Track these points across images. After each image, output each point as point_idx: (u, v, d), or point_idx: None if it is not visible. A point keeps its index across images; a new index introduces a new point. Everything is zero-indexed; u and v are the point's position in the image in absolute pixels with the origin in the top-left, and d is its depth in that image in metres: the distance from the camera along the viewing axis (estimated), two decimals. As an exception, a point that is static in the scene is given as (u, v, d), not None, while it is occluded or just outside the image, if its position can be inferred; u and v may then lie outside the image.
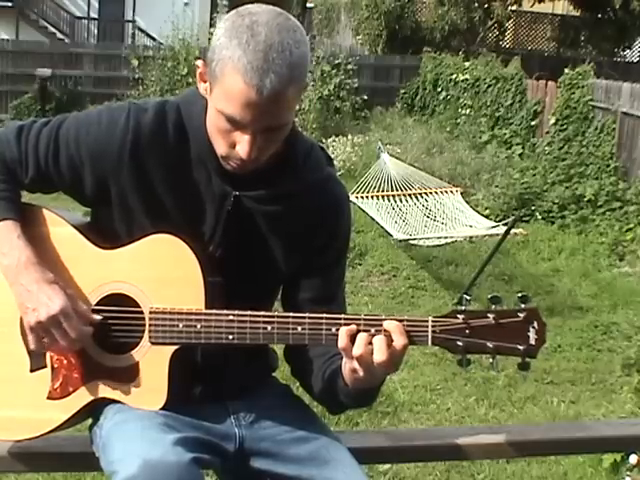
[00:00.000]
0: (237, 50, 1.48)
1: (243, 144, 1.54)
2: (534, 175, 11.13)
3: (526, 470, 4.52)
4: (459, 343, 1.57)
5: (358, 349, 1.54)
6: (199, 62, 1.61)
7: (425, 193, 8.86)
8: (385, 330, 1.55)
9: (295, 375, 1.82)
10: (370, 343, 1.54)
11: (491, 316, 1.56)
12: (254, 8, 1.54)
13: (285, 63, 1.49)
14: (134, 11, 23.59)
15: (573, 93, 11.98)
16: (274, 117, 1.53)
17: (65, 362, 1.68)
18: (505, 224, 7.38)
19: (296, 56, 1.50)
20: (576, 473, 4.52)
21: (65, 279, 1.66)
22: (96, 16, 24.14)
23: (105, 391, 1.67)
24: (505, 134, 13.34)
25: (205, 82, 1.59)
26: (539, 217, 10.19)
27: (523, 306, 1.57)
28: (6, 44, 15.91)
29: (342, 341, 1.55)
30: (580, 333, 6.90)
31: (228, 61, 1.49)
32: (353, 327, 1.55)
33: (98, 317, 1.65)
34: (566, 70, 12.32)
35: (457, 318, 1.57)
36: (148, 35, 21.27)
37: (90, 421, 1.75)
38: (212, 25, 16.31)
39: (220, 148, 1.59)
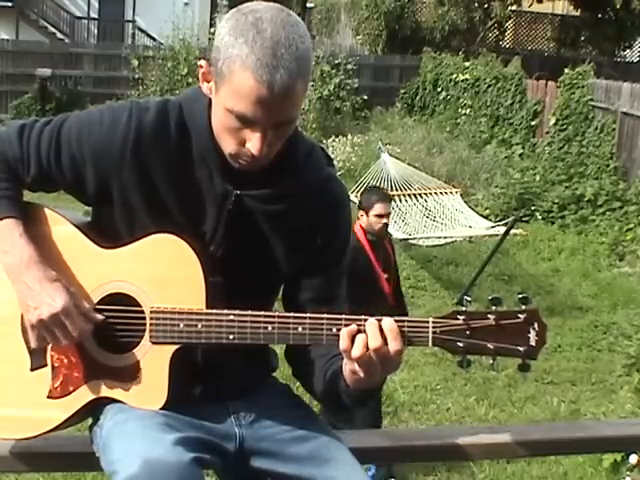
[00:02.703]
0: (244, 48, 1.49)
1: (254, 141, 1.54)
2: (534, 175, 11.13)
3: (526, 470, 4.52)
4: (459, 344, 1.56)
5: (357, 350, 1.54)
6: (202, 62, 1.60)
7: (425, 193, 8.87)
8: (381, 331, 1.54)
9: (297, 377, 1.82)
10: (365, 338, 1.54)
11: (492, 317, 1.56)
12: (255, 6, 1.55)
13: (293, 58, 1.50)
14: (134, 11, 23.57)
15: (573, 93, 11.98)
16: (284, 112, 1.54)
17: (66, 361, 1.68)
18: (505, 224, 7.39)
19: (302, 50, 1.51)
20: (576, 473, 4.52)
21: (66, 278, 1.66)
22: (96, 16, 24.12)
23: (105, 390, 1.67)
24: (505, 134, 13.34)
25: (209, 82, 1.59)
26: (539, 217, 10.19)
27: (524, 307, 1.57)
28: (6, 44, 15.92)
29: (344, 342, 1.55)
30: (580, 333, 6.91)
31: (236, 59, 1.49)
32: (354, 328, 1.55)
33: (100, 317, 1.65)
34: (566, 70, 12.32)
35: (458, 319, 1.56)
36: (148, 35, 21.26)
37: (90, 421, 1.75)
38: (212, 25, 16.31)
39: (229, 146, 1.59)
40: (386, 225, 4.63)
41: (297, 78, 1.51)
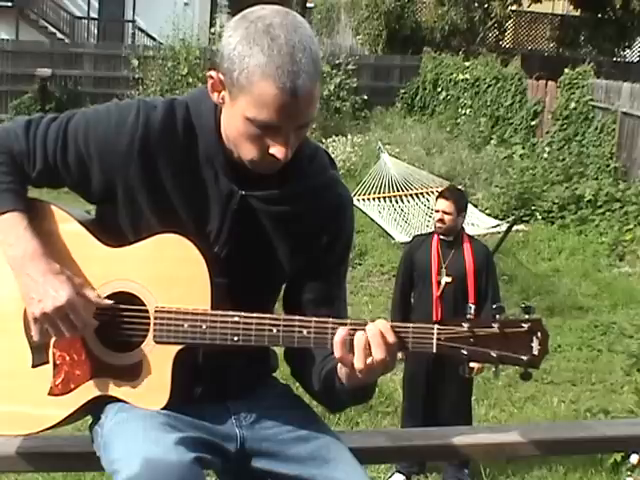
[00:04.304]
0: (261, 57, 1.48)
1: (280, 147, 1.55)
2: (534, 175, 11.12)
3: (526, 470, 4.52)
4: (463, 352, 1.57)
5: (359, 363, 1.54)
6: (212, 72, 1.58)
7: (426, 192, 8.88)
8: (383, 338, 1.55)
9: (294, 376, 1.83)
10: (367, 347, 1.54)
11: (496, 325, 1.56)
12: (260, 11, 1.54)
13: (310, 61, 1.51)
14: (134, 11, 23.57)
15: (573, 93, 11.98)
16: (306, 115, 1.55)
17: (67, 358, 1.68)
18: (507, 222, 7.39)
19: (314, 51, 1.54)
20: (576, 473, 4.52)
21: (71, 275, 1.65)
22: (96, 16, 24.13)
23: (107, 389, 1.66)
24: (505, 134, 13.33)
25: (219, 92, 1.58)
26: (539, 217, 10.19)
27: (527, 317, 1.57)
28: (6, 44, 15.92)
29: (338, 351, 1.55)
30: (580, 333, 6.90)
31: (255, 69, 1.49)
32: (344, 335, 1.55)
33: (108, 301, 1.64)
34: (566, 70, 12.32)
35: (462, 326, 1.57)
36: (148, 35, 21.27)
37: (91, 420, 1.75)
38: (212, 25, 16.31)
39: (250, 153, 1.58)
40: (441, 221, 4.54)
41: (316, 80, 1.53)
